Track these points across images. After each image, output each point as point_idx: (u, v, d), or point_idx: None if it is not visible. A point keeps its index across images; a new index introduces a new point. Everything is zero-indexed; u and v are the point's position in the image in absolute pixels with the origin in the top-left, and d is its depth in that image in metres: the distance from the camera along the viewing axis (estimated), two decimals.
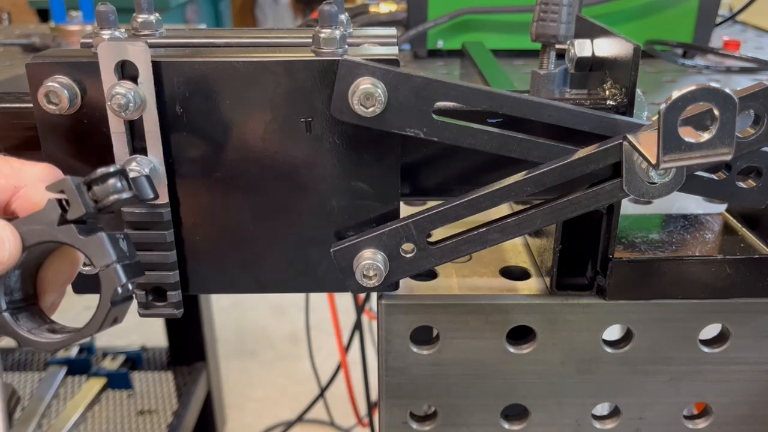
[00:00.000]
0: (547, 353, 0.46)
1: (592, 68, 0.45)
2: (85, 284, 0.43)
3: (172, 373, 1.47)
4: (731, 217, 0.50)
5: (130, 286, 0.34)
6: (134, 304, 0.42)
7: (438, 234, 0.40)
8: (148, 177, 0.35)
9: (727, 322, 0.45)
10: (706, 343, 0.46)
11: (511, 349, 0.46)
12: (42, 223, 0.33)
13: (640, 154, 0.35)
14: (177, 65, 0.37)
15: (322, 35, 0.38)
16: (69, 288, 0.43)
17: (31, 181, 0.35)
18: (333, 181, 0.40)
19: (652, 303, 0.44)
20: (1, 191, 0.35)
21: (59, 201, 0.33)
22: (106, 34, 0.39)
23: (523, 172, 0.38)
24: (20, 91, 0.41)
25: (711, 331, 0.47)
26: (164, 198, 0.40)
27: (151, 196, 0.35)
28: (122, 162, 0.38)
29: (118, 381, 1.39)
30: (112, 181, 0.33)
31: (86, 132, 0.39)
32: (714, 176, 0.40)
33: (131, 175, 0.37)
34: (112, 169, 0.33)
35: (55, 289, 0.38)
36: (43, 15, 2.53)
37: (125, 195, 0.33)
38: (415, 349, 0.46)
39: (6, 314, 0.35)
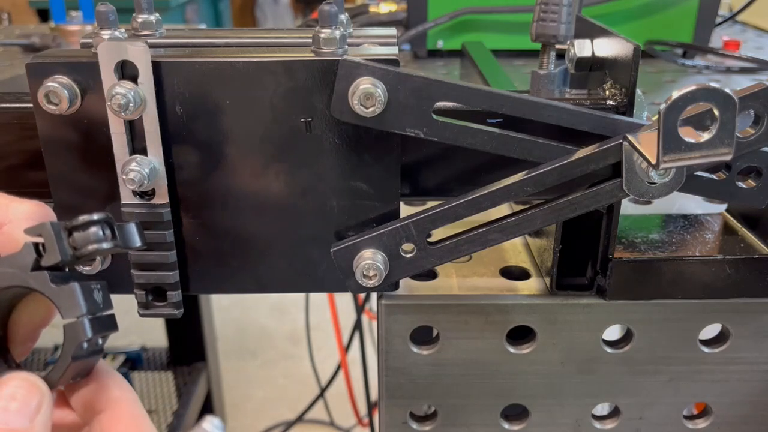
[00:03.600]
0: (547, 353, 0.46)
1: (592, 68, 0.45)
2: None
3: (172, 373, 1.47)
4: (731, 217, 0.50)
5: (100, 341, 0.32)
6: (134, 304, 0.42)
7: (438, 234, 0.40)
8: (138, 224, 0.33)
9: (727, 322, 0.45)
10: (706, 343, 0.46)
11: (511, 349, 0.46)
12: (15, 266, 0.31)
13: (640, 154, 0.35)
14: (177, 65, 0.37)
15: (322, 35, 0.38)
16: None
17: (16, 218, 0.33)
18: (333, 181, 0.40)
19: (652, 303, 0.44)
20: None
21: (36, 245, 0.31)
22: (106, 34, 0.39)
23: (523, 172, 0.38)
24: (20, 91, 0.41)
25: (711, 331, 0.47)
26: (164, 198, 0.40)
27: (138, 245, 0.33)
28: (122, 162, 0.38)
29: None
30: (93, 229, 0.31)
31: (86, 132, 0.39)
32: (714, 176, 0.40)
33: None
34: (96, 216, 0.31)
35: (26, 333, 0.36)
36: (43, 15, 2.53)
37: (105, 245, 0.31)
38: (415, 349, 0.46)
39: None
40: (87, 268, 0.40)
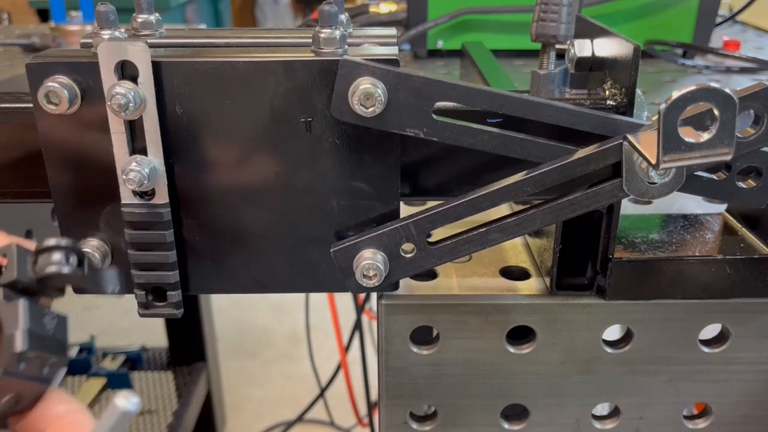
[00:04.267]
0: (547, 353, 0.46)
1: (592, 68, 0.45)
2: None
3: (172, 373, 1.47)
4: (731, 217, 0.50)
5: (46, 370, 0.31)
6: (134, 304, 0.42)
7: (438, 234, 0.40)
8: (117, 272, 0.33)
9: (727, 322, 0.45)
10: (706, 343, 0.46)
11: (511, 349, 0.46)
12: None
13: (640, 154, 0.35)
14: (177, 65, 0.37)
15: (322, 35, 0.38)
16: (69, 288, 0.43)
17: None
18: (333, 181, 0.41)
19: (652, 303, 0.44)
20: None
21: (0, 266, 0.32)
22: (106, 34, 0.39)
23: (523, 172, 0.38)
24: (20, 91, 0.41)
25: (711, 331, 0.47)
26: (164, 198, 0.40)
27: (109, 291, 0.33)
28: (122, 162, 0.38)
29: (118, 381, 1.39)
30: (56, 255, 0.31)
31: (86, 132, 0.39)
32: (714, 176, 0.40)
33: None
34: (63, 243, 0.32)
35: None
36: (43, 15, 2.53)
37: (65, 270, 0.31)
38: (415, 349, 0.46)
39: None
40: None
